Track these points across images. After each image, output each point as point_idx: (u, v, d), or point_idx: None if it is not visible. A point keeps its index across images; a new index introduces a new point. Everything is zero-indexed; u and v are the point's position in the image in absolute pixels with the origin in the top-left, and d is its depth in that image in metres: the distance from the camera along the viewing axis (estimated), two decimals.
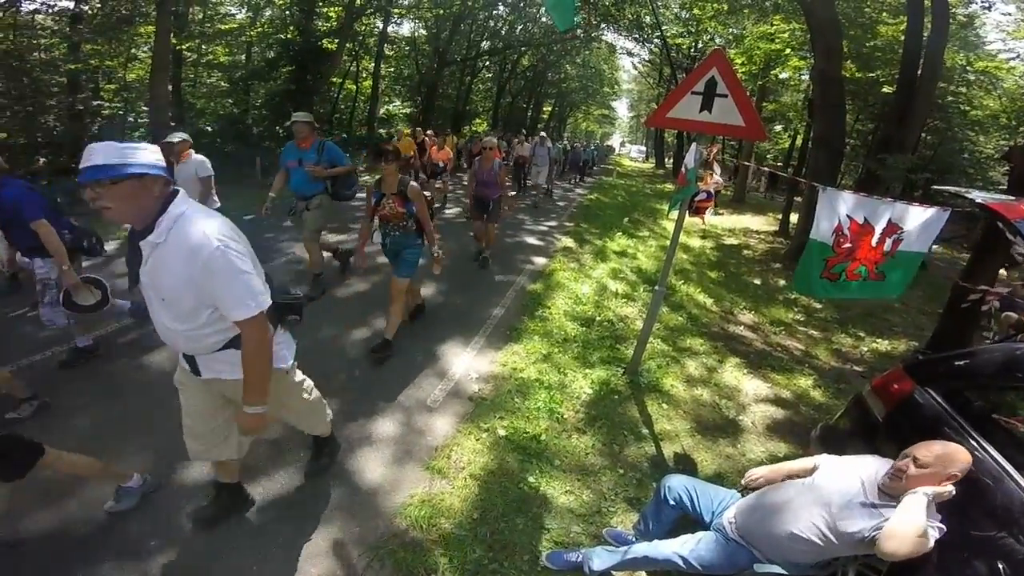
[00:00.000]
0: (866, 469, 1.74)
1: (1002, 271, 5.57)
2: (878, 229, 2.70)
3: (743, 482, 2.11)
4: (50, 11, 11.73)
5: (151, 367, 3.43)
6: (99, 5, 12.06)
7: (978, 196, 2.74)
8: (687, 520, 2.14)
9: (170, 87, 12.35)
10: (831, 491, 1.72)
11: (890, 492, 1.62)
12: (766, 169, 21.64)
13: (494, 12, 22.04)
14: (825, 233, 2.77)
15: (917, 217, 2.66)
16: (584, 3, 19.00)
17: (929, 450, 1.58)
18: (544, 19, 23.76)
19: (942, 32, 7.43)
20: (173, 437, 2.13)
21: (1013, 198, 3.13)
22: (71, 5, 11.71)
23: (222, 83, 16.03)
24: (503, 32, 25.17)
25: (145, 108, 12.24)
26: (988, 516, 1.66)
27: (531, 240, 8.20)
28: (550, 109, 39.50)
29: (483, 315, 4.83)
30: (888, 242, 2.70)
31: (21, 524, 2.13)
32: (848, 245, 2.75)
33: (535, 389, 3.57)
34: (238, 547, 2.17)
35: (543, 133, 12.17)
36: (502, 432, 3.07)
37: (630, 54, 25.62)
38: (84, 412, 2.90)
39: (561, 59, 29.49)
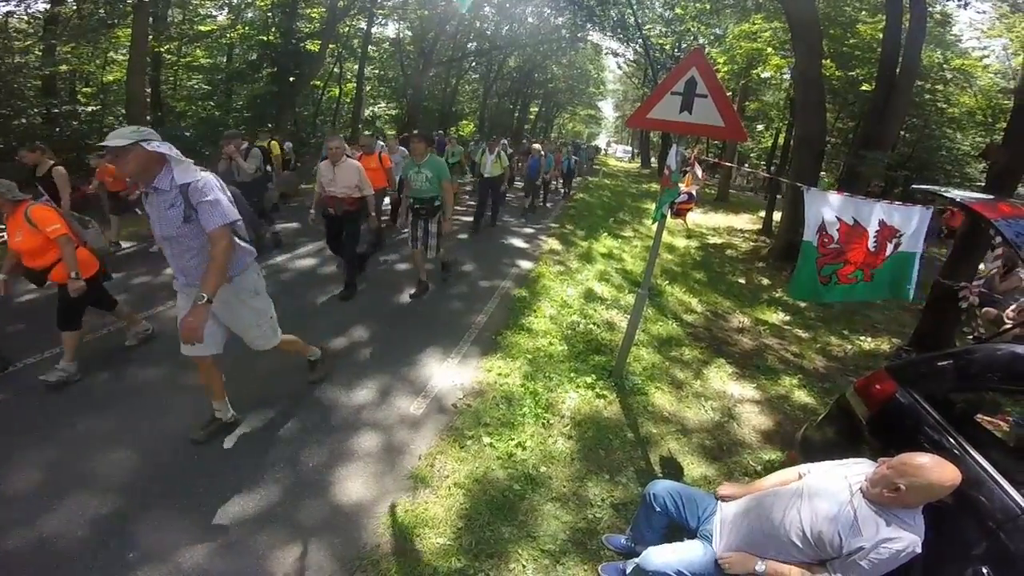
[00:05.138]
0: (855, 474, 1.74)
1: (980, 266, 5.65)
2: (871, 231, 2.63)
3: (717, 493, 2.09)
4: (27, 10, 11.49)
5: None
6: (75, 7, 11.83)
7: (957, 195, 2.75)
8: (677, 525, 2.12)
9: (148, 89, 12.15)
10: (820, 496, 1.72)
11: (866, 496, 1.63)
12: (750, 170, 21.86)
13: (480, 12, 21.95)
14: (811, 233, 2.70)
15: (909, 217, 2.63)
16: (569, 3, 19.01)
17: (904, 465, 1.55)
18: (530, 19, 23.75)
19: (920, 30, 7.53)
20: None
21: (992, 197, 3.16)
22: (46, 7, 11.48)
23: (203, 85, 15.78)
24: (489, 33, 25.11)
25: (123, 111, 12.01)
26: (970, 519, 1.66)
27: (516, 243, 8.15)
28: (537, 110, 39.43)
29: (467, 321, 4.78)
30: (889, 246, 2.64)
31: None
32: (835, 246, 2.67)
33: (520, 395, 3.53)
34: (213, 560, 2.11)
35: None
36: (487, 439, 3.03)
37: (615, 54, 25.63)
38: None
39: (547, 59, 29.45)
